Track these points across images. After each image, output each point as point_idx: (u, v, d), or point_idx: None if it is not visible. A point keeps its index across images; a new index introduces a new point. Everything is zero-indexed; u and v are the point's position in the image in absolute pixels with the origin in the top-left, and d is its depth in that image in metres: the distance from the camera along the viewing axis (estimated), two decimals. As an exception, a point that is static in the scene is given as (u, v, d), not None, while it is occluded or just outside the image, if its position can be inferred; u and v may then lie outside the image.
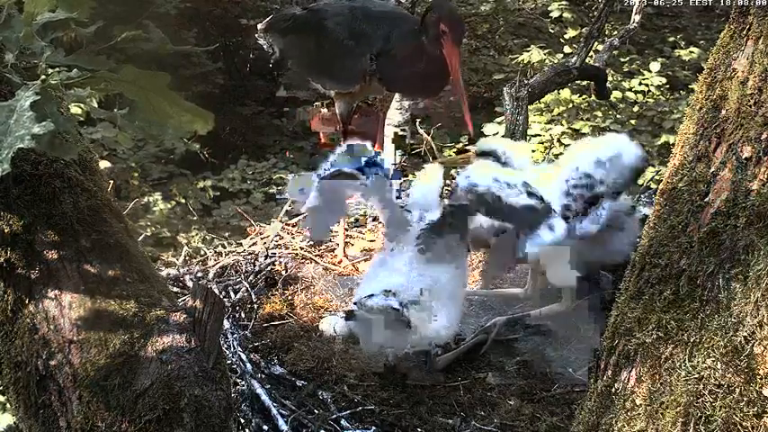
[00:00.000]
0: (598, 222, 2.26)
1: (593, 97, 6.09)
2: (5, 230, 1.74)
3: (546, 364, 2.34)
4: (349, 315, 2.12)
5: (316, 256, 2.92)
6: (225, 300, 2.58)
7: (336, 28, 2.64)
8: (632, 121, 6.83)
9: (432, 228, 2.15)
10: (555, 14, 7.97)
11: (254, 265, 2.84)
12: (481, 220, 2.29)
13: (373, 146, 3.11)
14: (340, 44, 2.65)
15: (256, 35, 2.87)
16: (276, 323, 2.50)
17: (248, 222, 3.41)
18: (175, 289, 2.73)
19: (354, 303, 2.07)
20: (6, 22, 1.57)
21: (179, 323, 1.72)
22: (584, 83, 5.87)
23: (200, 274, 2.86)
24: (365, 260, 2.90)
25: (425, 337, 2.12)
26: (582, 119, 6.70)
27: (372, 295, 2.06)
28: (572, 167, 2.32)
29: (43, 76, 1.51)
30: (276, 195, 6.91)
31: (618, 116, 6.90)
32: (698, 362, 1.32)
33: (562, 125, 6.59)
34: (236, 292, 2.70)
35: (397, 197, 2.26)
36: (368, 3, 2.74)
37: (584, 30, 6.61)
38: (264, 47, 2.87)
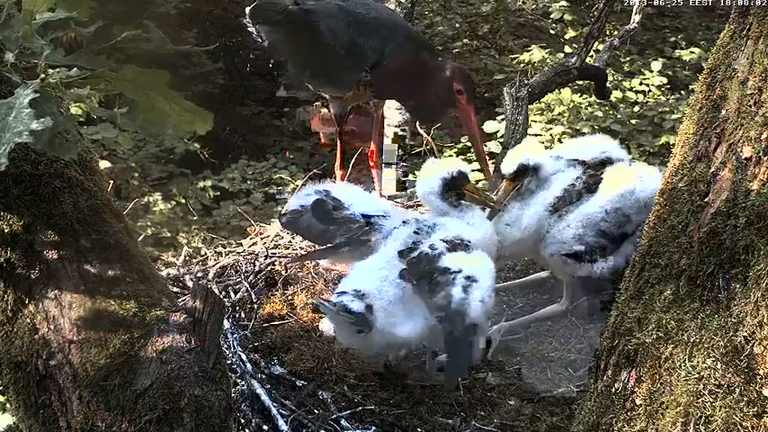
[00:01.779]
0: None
1: (594, 97, 6.09)
2: (5, 230, 1.74)
3: (546, 364, 2.34)
4: (313, 308, 2.17)
5: (316, 255, 2.91)
6: (225, 300, 2.57)
7: (330, 35, 2.62)
8: (633, 121, 6.83)
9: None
10: (556, 16, 7.98)
11: (254, 265, 2.83)
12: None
13: (369, 145, 3.12)
14: (334, 52, 2.63)
15: (244, 20, 2.84)
16: (276, 323, 2.50)
17: (248, 222, 3.40)
18: (175, 289, 2.72)
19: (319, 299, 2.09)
20: (6, 22, 1.57)
21: (179, 323, 1.72)
22: (585, 83, 5.87)
23: (200, 274, 2.86)
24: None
25: (392, 343, 2.11)
26: (582, 119, 6.70)
27: (343, 292, 2.05)
28: (609, 202, 2.37)
29: (42, 75, 1.51)
30: (276, 195, 6.92)
31: (618, 116, 6.90)
32: (698, 362, 1.32)
33: (563, 125, 6.59)
34: (236, 292, 2.69)
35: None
36: (361, 7, 2.71)
37: (584, 30, 6.62)
38: (253, 33, 2.84)
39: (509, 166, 2.44)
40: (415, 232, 2.17)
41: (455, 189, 2.27)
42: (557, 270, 2.53)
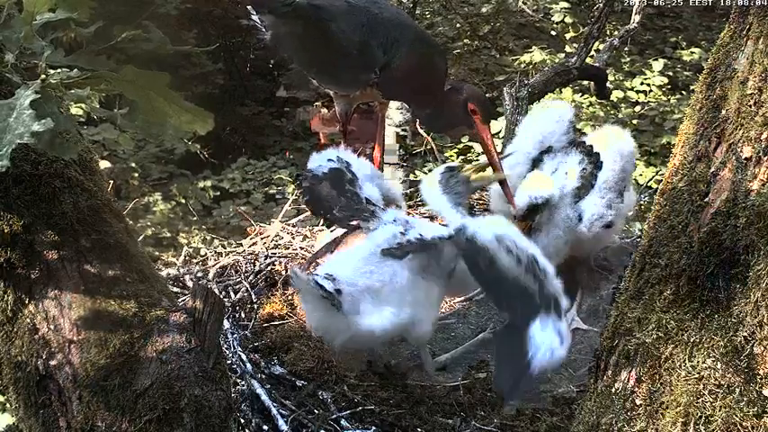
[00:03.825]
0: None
1: (595, 97, 6.10)
2: (5, 230, 1.74)
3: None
4: (285, 281, 2.11)
5: (316, 256, 2.91)
6: (225, 300, 2.57)
7: (341, 34, 2.58)
8: (634, 122, 6.83)
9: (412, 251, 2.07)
10: (557, 18, 7.97)
11: (254, 265, 2.83)
12: None
13: (373, 146, 3.12)
14: (344, 51, 2.60)
15: (248, 7, 2.78)
16: (276, 323, 2.50)
17: (248, 222, 3.40)
18: (175, 289, 2.72)
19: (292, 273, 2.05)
20: (6, 22, 1.57)
21: (179, 323, 1.72)
22: (587, 82, 5.87)
23: (200, 274, 2.86)
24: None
25: (357, 335, 2.06)
26: (583, 119, 6.70)
27: (316, 275, 2.04)
28: (615, 162, 2.55)
29: (43, 76, 1.51)
30: (276, 195, 6.92)
31: (619, 116, 6.91)
32: (698, 362, 1.32)
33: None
34: (236, 292, 2.69)
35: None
36: (373, 6, 2.67)
37: (584, 30, 6.62)
38: (256, 23, 2.80)
39: (519, 205, 2.44)
40: (401, 233, 2.13)
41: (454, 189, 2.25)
42: (590, 247, 2.60)
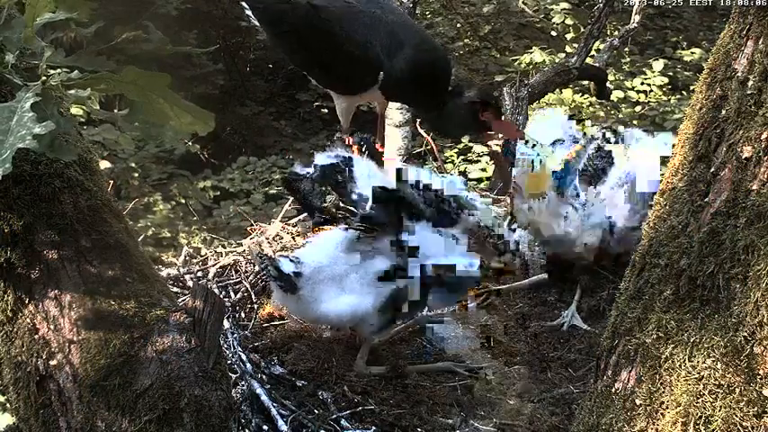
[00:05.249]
0: None
1: (594, 97, 6.10)
2: (5, 230, 1.74)
3: (546, 364, 2.34)
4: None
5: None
6: (225, 300, 2.57)
7: (342, 35, 2.56)
8: (634, 122, 6.84)
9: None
10: (557, 20, 7.98)
11: (255, 265, 2.83)
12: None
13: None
14: (346, 53, 2.58)
15: (242, 3, 2.75)
16: (276, 323, 2.50)
17: (248, 222, 3.40)
18: (175, 289, 2.72)
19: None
20: (7, 23, 1.58)
21: (179, 323, 1.72)
22: (587, 83, 5.87)
23: (200, 274, 2.86)
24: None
25: (317, 318, 2.19)
26: (584, 119, 6.70)
27: (285, 256, 2.15)
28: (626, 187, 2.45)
29: (44, 77, 1.51)
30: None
31: (620, 116, 6.91)
32: (698, 362, 1.32)
33: (563, 125, 6.58)
34: (236, 292, 2.69)
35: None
36: (375, 7, 2.65)
37: (584, 30, 6.62)
38: (255, 21, 2.77)
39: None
40: None
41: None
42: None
